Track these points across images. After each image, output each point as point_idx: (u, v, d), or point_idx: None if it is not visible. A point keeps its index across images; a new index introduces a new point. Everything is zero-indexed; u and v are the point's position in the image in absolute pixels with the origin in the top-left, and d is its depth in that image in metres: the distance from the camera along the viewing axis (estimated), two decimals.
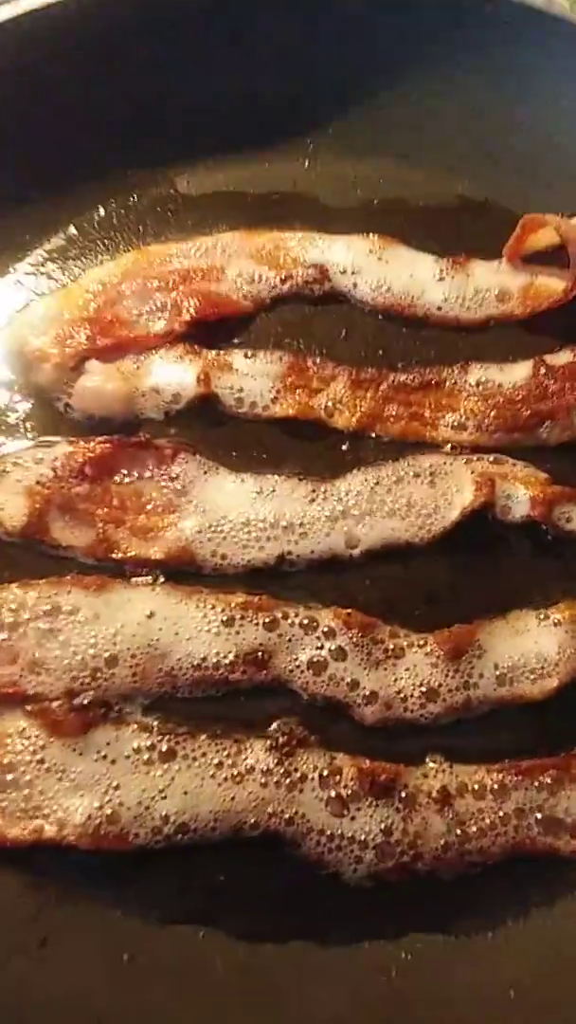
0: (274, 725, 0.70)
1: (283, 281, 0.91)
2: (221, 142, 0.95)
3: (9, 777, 0.66)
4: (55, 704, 0.68)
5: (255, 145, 0.96)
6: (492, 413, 0.86)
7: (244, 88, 0.94)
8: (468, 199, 0.98)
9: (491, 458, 0.84)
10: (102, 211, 0.93)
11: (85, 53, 0.89)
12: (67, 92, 0.89)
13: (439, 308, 0.91)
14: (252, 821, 0.66)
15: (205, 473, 0.80)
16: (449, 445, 0.85)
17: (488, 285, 0.92)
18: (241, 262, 0.91)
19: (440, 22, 0.98)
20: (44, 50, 0.88)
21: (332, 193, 0.96)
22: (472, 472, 0.82)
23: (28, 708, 0.68)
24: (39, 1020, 0.54)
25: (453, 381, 0.88)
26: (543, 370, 0.87)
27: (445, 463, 0.83)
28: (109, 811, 0.65)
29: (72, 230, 0.92)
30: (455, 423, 0.86)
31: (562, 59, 0.94)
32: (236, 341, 0.88)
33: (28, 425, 0.81)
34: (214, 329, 0.87)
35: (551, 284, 0.92)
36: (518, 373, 0.88)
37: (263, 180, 0.96)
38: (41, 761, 0.66)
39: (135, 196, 0.94)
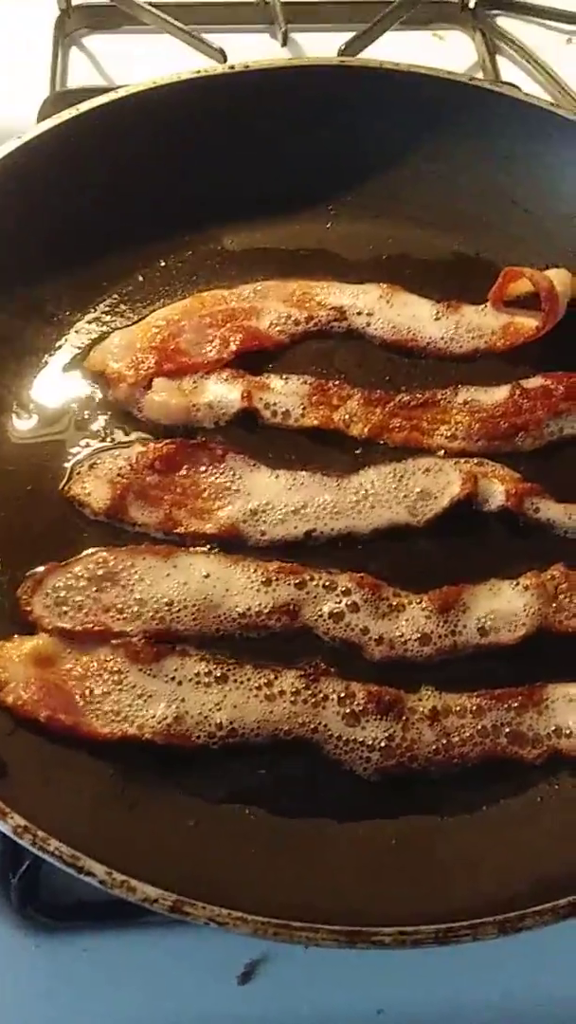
0: (303, 660, 0.89)
1: (309, 320, 1.10)
2: (259, 209, 1.16)
3: (100, 692, 0.85)
4: (134, 639, 0.87)
5: (286, 211, 1.17)
6: (477, 426, 1.04)
7: (277, 167, 1.16)
8: (461, 254, 1.18)
9: (475, 460, 1.02)
10: (163, 263, 1.13)
11: (152, 142, 1.12)
12: (140, 173, 1.11)
13: (436, 342, 1.10)
14: (286, 729, 0.84)
15: (248, 469, 0.99)
16: (442, 451, 1.03)
17: (476, 324, 1.11)
18: (275, 305, 1.10)
19: (443, 113, 1.20)
20: (119, 138, 1.10)
21: (349, 249, 1.16)
22: (459, 471, 1.00)
23: (114, 643, 0.87)
24: (130, 860, 0.72)
25: (446, 400, 1.06)
26: (519, 392, 1.06)
27: (438, 464, 1.01)
28: (176, 717, 0.84)
29: (140, 278, 1.11)
30: (447, 433, 1.04)
31: (549, 147, 1.16)
32: (272, 367, 1.07)
33: (109, 430, 1.00)
34: (255, 358, 1.06)
35: (527, 323, 1.11)
36: (498, 394, 1.06)
37: (293, 239, 1.17)
38: (124, 681, 0.86)
39: (190, 252, 1.14)
